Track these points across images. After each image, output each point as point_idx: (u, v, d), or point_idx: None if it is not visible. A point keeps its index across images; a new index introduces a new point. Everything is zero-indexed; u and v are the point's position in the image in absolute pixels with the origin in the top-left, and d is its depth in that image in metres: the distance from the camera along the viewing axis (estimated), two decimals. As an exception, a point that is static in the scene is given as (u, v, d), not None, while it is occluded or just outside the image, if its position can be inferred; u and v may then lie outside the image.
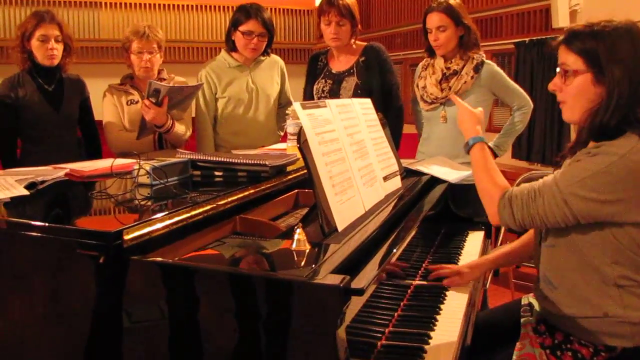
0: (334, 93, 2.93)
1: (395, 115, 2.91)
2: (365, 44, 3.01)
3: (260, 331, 1.13)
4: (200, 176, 1.85)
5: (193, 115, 3.03)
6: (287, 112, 3.16)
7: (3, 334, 1.40)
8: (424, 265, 1.93)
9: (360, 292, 1.15)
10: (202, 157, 1.85)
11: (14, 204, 1.52)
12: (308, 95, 3.07)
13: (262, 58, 3.10)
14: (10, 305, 1.38)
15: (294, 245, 1.27)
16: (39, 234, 1.31)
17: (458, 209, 2.41)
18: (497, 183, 1.60)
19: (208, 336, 1.16)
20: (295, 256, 1.25)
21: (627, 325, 1.47)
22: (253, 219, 1.55)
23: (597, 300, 1.49)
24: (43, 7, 6.55)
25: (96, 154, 2.90)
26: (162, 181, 1.68)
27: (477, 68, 2.69)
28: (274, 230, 1.51)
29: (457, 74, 2.70)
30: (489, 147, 2.71)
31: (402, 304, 1.62)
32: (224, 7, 7.64)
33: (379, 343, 1.40)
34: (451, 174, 2.33)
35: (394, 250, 1.50)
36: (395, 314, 1.55)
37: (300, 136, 1.44)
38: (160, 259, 1.21)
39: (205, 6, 7.70)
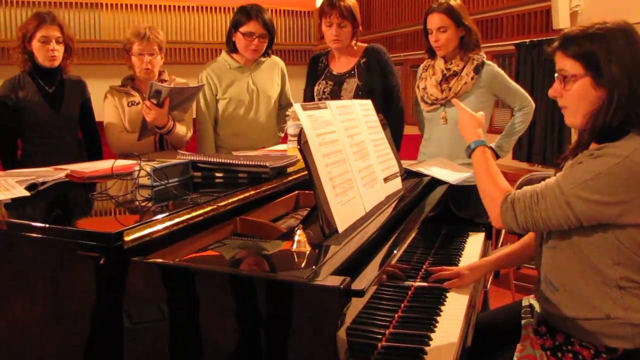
0: (335, 94, 2.93)
1: (396, 117, 2.91)
2: (366, 45, 3.01)
3: (261, 332, 1.13)
4: (201, 177, 1.85)
5: (194, 116, 3.03)
6: (287, 113, 3.16)
7: (4, 335, 1.40)
8: (424, 266, 1.93)
9: (360, 293, 1.15)
10: (202, 159, 1.85)
11: (15, 205, 1.52)
12: (308, 97, 3.07)
13: (263, 59, 3.10)
14: (11, 306, 1.38)
15: (294, 247, 1.27)
16: (40, 235, 1.31)
17: (459, 210, 2.40)
18: (499, 186, 1.60)
19: (208, 337, 1.16)
20: (295, 257, 1.25)
21: (628, 327, 1.47)
22: (253, 220, 1.55)
23: (599, 301, 1.49)
24: (44, 8, 6.56)
25: (97, 155, 2.90)
26: (162, 182, 1.68)
27: (478, 69, 2.69)
28: (274, 231, 1.51)
29: (457, 75, 2.70)
30: (491, 148, 2.72)
31: (402, 305, 1.62)
32: (224, 8, 7.65)
33: (379, 344, 1.39)
34: (451, 175, 2.33)
35: (395, 252, 1.50)
36: (396, 316, 1.55)
37: (301, 137, 1.44)
38: (160, 260, 1.21)
39: (206, 7, 7.71)
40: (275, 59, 3.20)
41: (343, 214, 1.46)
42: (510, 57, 5.16)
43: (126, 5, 7.32)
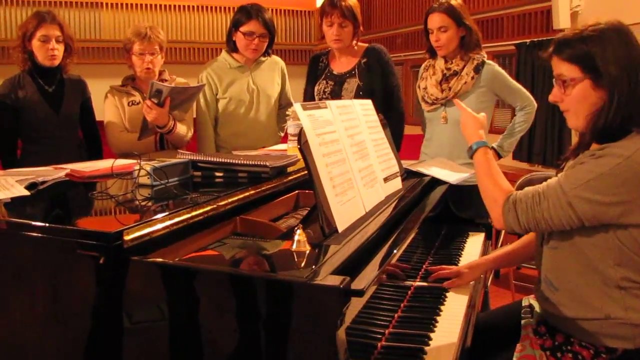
0: (336, 94, 2.93)
1: (397, 117, 2.91)
2: (366, 45, 3.01)
3: (260, 332, 1.13)
4: (201, 177, 1.85)
5: (194, 116, 3.03)
6: (287, 113, 3.16)
7: (3, 334, 1.40)
8: (424, 266, 1.93)
9: (360, 293, 1.15)
10: (202, 158, 1.85)
11: (15, 204, 1.52)
12: (308, 96, 3.07)
13: (263, 59, 3.10)
14: (10, 306, 1.38)
15: (294, 246, 1.27)
16: (40, 235, 1.31)
17: (459, 210, 2.40)
18: (501, 187, 1.60)
19: (208, 337, 1.16)
20: (295, 257, 1.25)
21: (628, 327, 1.47)
22: (253, 220, 1.55)
23: (599, 302, 1.49)
24: (44, 7, 6.56)
25: (97, 155, 2.90)
26: (162, 182, 1.68)
27: (478, 68, 2.68)
28: (274, 231, 1.51)
29: (457, 75, 2.70)
30: (493, 148, 2.72)
31: (402, 305, 1.62)
32: (225, 7, 7.65)
33: (378, 344, 1.39)
34: (451, 175, 2.33)
35: (394, 252, 1.50)
36: (396, 315, 1.55)
37: (301, 137, 1.44)
38: (160, 259, 1.21)
39: (206, 7, 7.71)
40: (275, 58, 3.20)
41: (343, 214, 1.46)
42: (510, 58, 5.16)
43: (126, 4, 7.32)
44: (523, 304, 1.77)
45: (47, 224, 1.32)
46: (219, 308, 1.16)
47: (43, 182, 1.75)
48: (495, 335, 1.74)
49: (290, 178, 1.90)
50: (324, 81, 2.99)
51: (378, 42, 3.22)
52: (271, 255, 1.34)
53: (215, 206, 1.49)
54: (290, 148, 2.40)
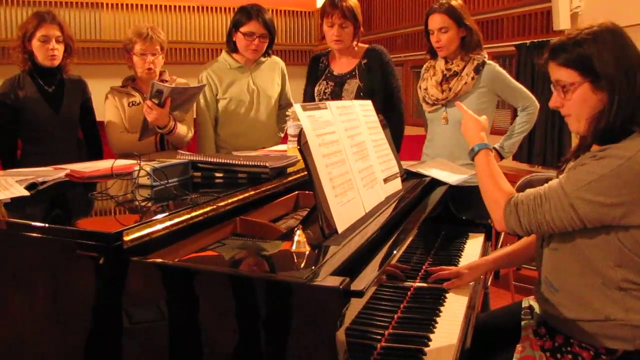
0: (336, 95, 2.93)
1: (397, 118, 2.91)
2: (367, 46, 3.01)
3: (260, 333, 1.12)
4: (201, 177, 1.85)
5: (194, 116, 3.03)
6: (287, 113, 3.16)
7: (3, 334, 1.40)
8: (424, 267, 1.93)
9: (359, 294, 1.15)
10: (202, 159, 1.85)
11: (15, 204, 1.52)
12: (308, 97, 3.07)
13: (263, 59, 3.10)
14: (10, 306, 1.38)
15: (294, 247, 1.27)
16: (39, 235, 1.31)
17: (459, 211, 2.40)
18: (502, 189, 1.60)
19: (208, 338, 1.16)
20: (295, 258, 1.25)
21: (628, 328, 1.47)
22: (253, 221, 1.55)
23: (599, 303, 1.49)
24: (44, 7, 6.56)
25: (98, 155, 2.90)
26: (162, 182, 1.68)
27: (478, 69, 2.68)
28: (274, 231, 1.51)
29: (458, 75, 2.70)
30: (496, 149, 2.71)
31: (402, 306, 1.62)
32: (225, 8, 7.65)
33: (378, 345, 1.39)
34: (451, 176, 2.33)
35: (394, 252, 1.50)
36: (395, 316, 1.55)
37: (301, 138, 1.44)
38: (160, 260, 1.21)
39: (206, 7, 7.71)
40: (275, 59, 3.20)
41: (343, 215, 1.46)
42: (510, 58, 5.16)
43: (127, 5, 7.33)
44: (523, 305, 1.77)
45: (47, 225, 1.32)
46: (219, 309, 1.16)
47: (43, 183, 1.75)
48: (495, 336, 1.74)
49: (290, 179, 1.90)
50: (324, 82, 2.99)
51: (378, 43, 3.22)
52: (271, 256, 1.34)
53: (215, 207, 1.49)
54: (290, 149, 2.40)
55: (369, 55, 2.95)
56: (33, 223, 1.33)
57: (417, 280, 1.83)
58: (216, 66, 3.05)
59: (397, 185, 1.95)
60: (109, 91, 2.88)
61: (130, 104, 2.83)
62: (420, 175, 2.28)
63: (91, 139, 2.97)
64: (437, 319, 1.55)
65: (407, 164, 2.33)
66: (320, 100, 2.96)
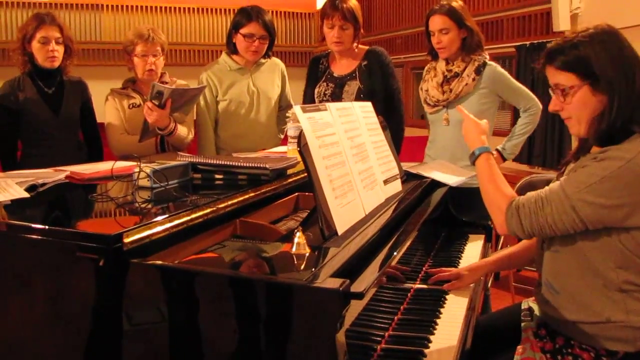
0: (336, 96, 2.93)
1: (398, 120, 2.91)
2: (367, 47, 3.01)
3: (260, 334, 1.12)
4: (201, 179, 1.85)
5: (194, 118, 3.03)
6: (287, 115, 3.16)
7: (3, 336, 1.40)
8: (424, 268, 1.93)
9: (359, 295, 1.14)
10: (202, 160, 1.85)
11: (15, 206, 1.52)
12: (308, 98, 3.07)
13: (263, 61, 3.10)
14: (10, 308, 1.38)
15: (294, 249, 1.27)
16: (39, 237, 1.31)
17: (459, 213, 2.40)
18: (503, 193, 1.59)
19: (208, 339, 1.16)
20: (295, 260, 1.25)
21: (629, 330, 1.46)
22: (253, 222, 1.55)
23: (600, 305, 1.49)
24: (44, 9, 6.57)
25: (98, 156, 2.90)
26: (162, 184, 1.68)
27: (479, 70, 2.67)
28: (274, 233, 1.51)
29: (458, 77, 2.69)
30: (498, 150, 2.71)
31: (402, 307, 1.62)
32: (225, 9, 7.66)
33: (378, 347, 1.39)
34: (451, 177, 2.33)
35: (394, 254, 1.50)
36: (395, 318, 1.55)
37: (301, 139, 1.44)
38: (160, 262, 1.21)
39: (207, 9, 7.72)
40: (275, 60, 3.20)
41: (343, 216, 1.46)
42: (510, 60, 5.16)
43: (127, 6, 7.34)
44: (523, 307, 1.77)
45: (46, 226, 1.32)
46: (219, 311, 1.16)
47: (43, 184, 1.75)
48: (495, 337, 1.74)
49: (290, 180, 1.90)
50: (324, 83, 2.99)
51: (378, 44, 3.23)
52: (271, 258, 1.34)
53: (215, 208, 1.49)
54: (290, 150, 2.40)
55: (369, 57, 2.95)
56: (33, 225, 1.33)
57: (417, 282, 1.83)
58: (216, 68, 3.05)
59: (397, 186, 1.95)
60: (109, 93, 2.88)
61: (131, 106, 2.83)
62: (420, 177, 2.28)
63: (91, 141, 2.97)
64: (437, 321, 1.55)
65: (407, 166, 2.33)
66: (320, 101, 2.96)
